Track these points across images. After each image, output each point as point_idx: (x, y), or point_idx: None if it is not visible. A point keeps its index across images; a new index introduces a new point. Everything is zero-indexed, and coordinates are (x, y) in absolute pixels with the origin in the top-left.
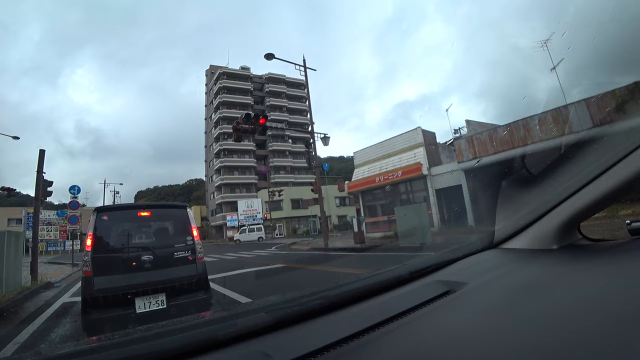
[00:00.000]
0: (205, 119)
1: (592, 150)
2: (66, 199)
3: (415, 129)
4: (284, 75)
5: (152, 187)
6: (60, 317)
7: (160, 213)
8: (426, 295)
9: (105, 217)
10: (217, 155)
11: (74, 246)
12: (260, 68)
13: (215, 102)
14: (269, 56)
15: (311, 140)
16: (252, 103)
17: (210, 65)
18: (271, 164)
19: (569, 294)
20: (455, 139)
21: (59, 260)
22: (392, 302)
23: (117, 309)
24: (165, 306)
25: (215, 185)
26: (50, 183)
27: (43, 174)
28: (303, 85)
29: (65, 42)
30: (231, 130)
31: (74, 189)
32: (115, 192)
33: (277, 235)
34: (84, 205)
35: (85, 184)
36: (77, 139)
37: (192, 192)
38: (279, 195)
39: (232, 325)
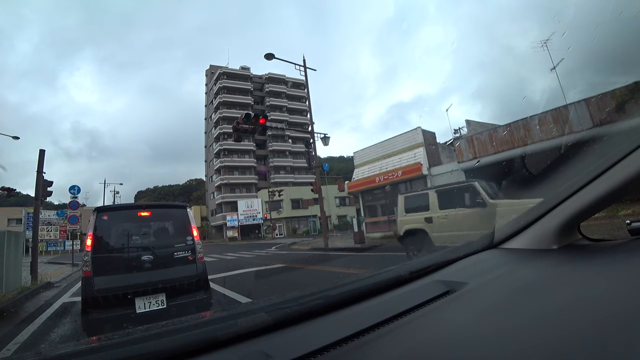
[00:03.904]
0: (205, 119)
1: (592, 150)
2: (66, 199)
3: (416, 129)
4: (284, 75)
5: (152, 187)
6: (60, 317)
7: (160, 213)
8: (426, 295)
9: (105, 217)
10: (217, 155)
11: (74, 246)
12: (261, 68)
13: (215, 102)
14: (269, 56)
15: (311, 140)
16: (252, 103)
17: (210, 66)
18: (271, 164)
19: (569, 294)
20: (455, 139)
21: (59, 260)
22: (392, 302)
23: (117, 309)
24: (165, 306)
25: (215, 185)
26: (50, 183)
27: (43, 174)
28: (303, 85)
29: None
30: (231, 130)
31: (74, 189)
32: (115, 192)
33: (277, 235)
34: (84, 205)
35: (85, 184)
36: (76, 140)
37: (192, 192)
38: (279, 195)
39: (232, 325)
